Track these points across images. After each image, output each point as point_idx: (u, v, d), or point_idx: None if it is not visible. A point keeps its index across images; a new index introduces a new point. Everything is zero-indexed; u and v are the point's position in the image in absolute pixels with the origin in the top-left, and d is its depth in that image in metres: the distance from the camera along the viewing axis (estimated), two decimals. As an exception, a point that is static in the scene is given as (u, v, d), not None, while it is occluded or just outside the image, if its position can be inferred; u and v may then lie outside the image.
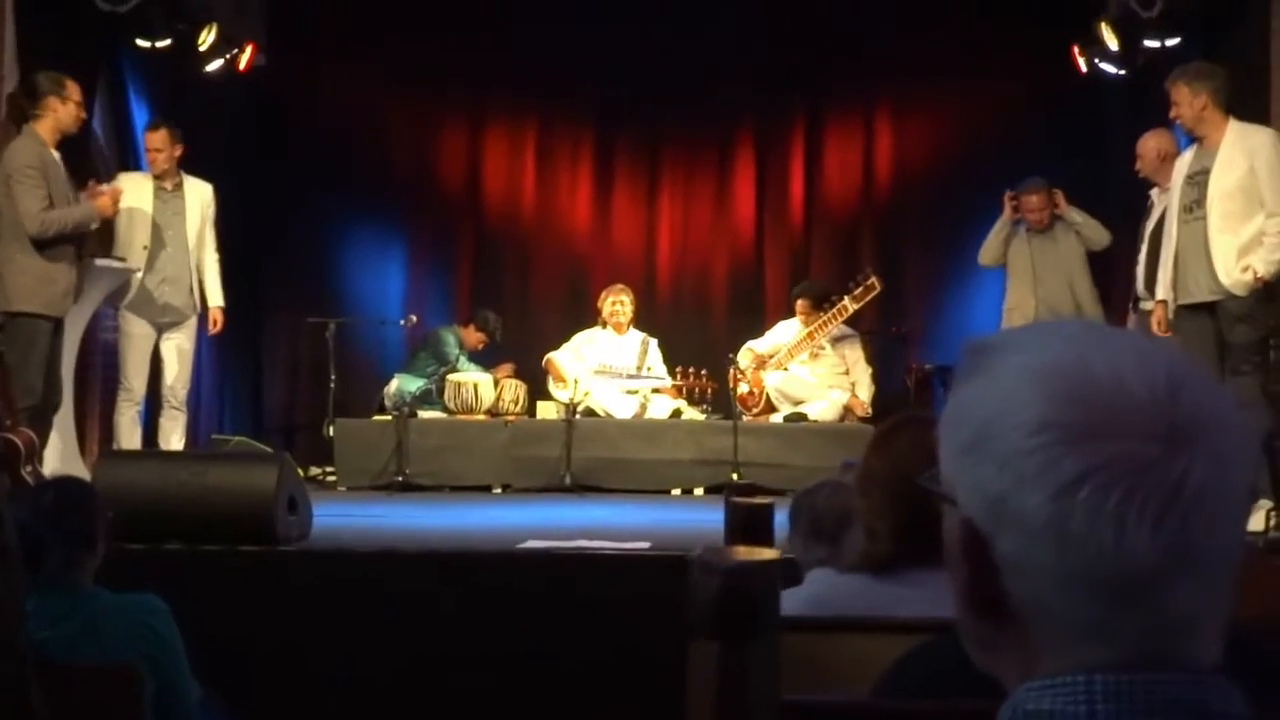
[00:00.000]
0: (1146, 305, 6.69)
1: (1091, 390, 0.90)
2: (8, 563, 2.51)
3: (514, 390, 8.82)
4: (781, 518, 3.04)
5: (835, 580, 2.41)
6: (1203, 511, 0.88)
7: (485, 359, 9.12)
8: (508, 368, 9.03)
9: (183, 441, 7.51)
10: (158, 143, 7.46)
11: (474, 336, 9.10)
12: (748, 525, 1.63)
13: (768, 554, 0.93)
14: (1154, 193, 6.93)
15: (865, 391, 8.83)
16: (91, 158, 7.52)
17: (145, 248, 7.30)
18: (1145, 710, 0.90)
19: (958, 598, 0.99)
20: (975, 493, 0.93)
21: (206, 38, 8.41)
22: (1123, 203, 7.70)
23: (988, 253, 7.96)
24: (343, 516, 6.21)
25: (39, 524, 3.16)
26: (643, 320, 9.09)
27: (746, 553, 0.96)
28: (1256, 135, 5.93)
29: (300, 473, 5.97)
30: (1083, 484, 0.88)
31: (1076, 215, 7.74)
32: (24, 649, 2.54)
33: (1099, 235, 7.70)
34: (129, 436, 7.29)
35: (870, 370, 8.92)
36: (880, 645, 1.91)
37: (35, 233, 6.25)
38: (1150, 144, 6.95)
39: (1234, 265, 5.76)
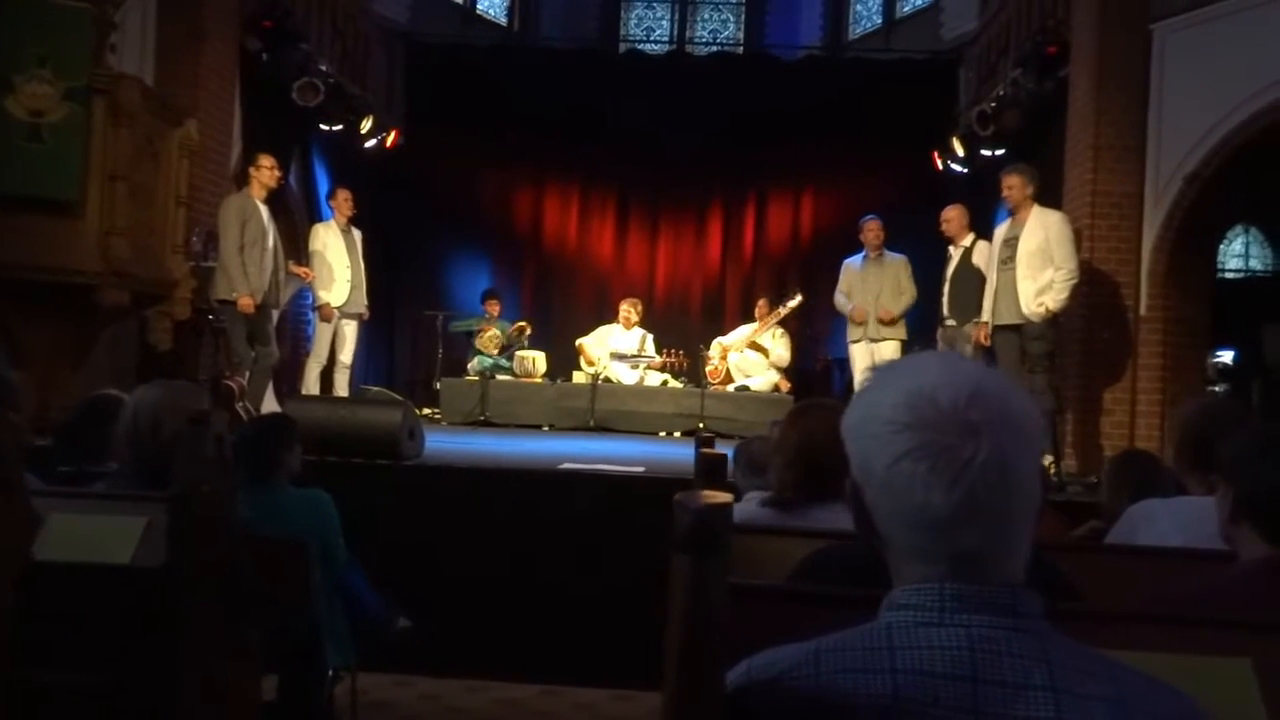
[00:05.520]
0: (949, 323, 6.47)
1: (916, 401, 0.90)
2: (225, 469, 2.46)
3: (535, 360, 8.59)
4: (727, 453, 2.97)
5: (755, 510, 2.28)
6: (986, 481, 0.87)
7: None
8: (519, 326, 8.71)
9: (347, 389, 7.39)
10: (346, 199, 7.37)
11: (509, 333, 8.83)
12: (710, 469, 1.66)
13: (724, 497, 0.91)
14: (951, 248, 6.67)
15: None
16: (288, 206, 7.45)
17: (347, 267, 7.21)
18: (975, 608, 0.90)
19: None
20: (855, 459, 0.95)
21: (366, 125, 8.42)
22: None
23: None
24: (444, 442, 6.15)
25: (253, 443, 3.18)
26: (645, 320, 8.99)
27: (710, 496, 0.91)
28: (1052, 215, 5.84)
29: (417, 412, 5.92)
30: (905, 458, 0.89)
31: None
32: (237, 526, 2.52)
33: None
34: (312, 386, 7.18)
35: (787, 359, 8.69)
36: (790, 546, 1.88)
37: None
38: (953, 213, 6.69)
39: (1033, 301, 5.68)
